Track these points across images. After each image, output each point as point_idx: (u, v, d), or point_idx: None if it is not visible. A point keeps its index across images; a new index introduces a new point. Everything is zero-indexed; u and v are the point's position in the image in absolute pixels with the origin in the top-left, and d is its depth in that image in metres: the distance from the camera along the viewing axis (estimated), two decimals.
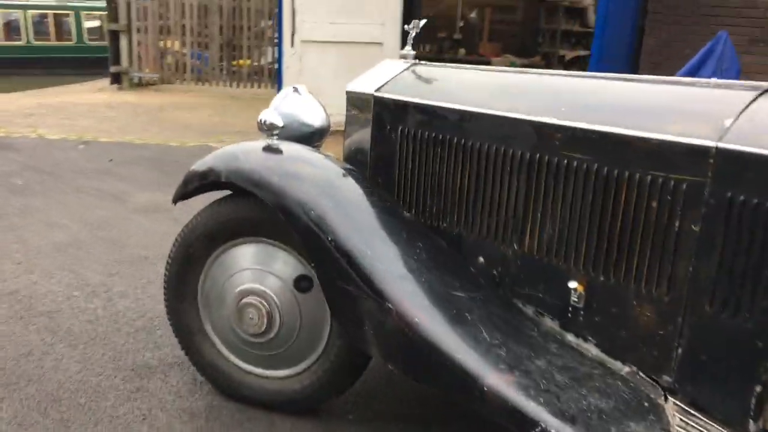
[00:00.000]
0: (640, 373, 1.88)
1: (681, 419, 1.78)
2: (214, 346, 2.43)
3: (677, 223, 1.74)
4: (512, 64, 9.72)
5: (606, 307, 1.92)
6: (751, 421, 1.69)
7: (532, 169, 2.03)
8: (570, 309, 2.00)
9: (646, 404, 1.79)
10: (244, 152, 2.24)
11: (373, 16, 7.43)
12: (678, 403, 1.81)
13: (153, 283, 3.35)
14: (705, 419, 1.77)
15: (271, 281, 2.28)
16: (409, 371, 1.91)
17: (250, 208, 2.27)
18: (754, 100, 1.76)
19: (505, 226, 2.12)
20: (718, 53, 4.82)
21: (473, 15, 10.03)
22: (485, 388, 1.75)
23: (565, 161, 1.95)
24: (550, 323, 2.07)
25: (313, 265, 2.04)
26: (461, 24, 10.25)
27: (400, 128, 2.37)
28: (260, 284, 2.28)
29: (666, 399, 1.82)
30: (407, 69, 2.54)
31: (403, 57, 2.62)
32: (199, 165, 2.34)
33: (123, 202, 4.64)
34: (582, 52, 10.92)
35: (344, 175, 2.22)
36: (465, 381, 1.78)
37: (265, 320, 2.26)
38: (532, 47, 10.47)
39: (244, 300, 2.28)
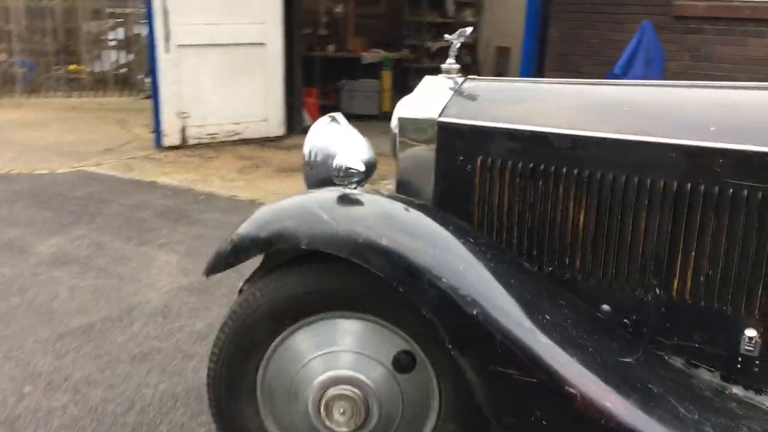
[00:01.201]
0: None
1: None
2: None
3: None
4: (384, 59, 9.46)
5: None
6: None
7: (682, 201, 1.73)
8: (740, 359, 1.73)
9: None
10: (324, 209, 1.75)
11: (253, 15, 6.85)
12: None
13: (119, 359, 2.72)
14: None
15: (361, 364, 1.82)
16: None
17: (326, 277, 1.80)
18: None
19: (643, 269, 1.81)
20: (645, 44, 4.82)
21: (338, 9, 9.64)
22: None
23: (731, 191, 1.67)
24: (707, 376, 1.79)
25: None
26: (326, 19, 9.82)
27: (480, 158, 1.99)
28: (349, 369, 1.82)
29: None
30: (462, 87, 2.15)
31: (446, 72, 2.22)
32: (257, 228, 1.82)
33: (25, 254, 3.83)
34: (445, 43, 10.83)
35: (454, 227, 1.80)
36: None
37: (362, 413, 1.80)
38: (398, 40, 10.26)
39: (331, 391, 1.81)
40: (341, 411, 1.81)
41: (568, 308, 1.77)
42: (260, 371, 1.89)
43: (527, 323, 1.61)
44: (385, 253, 1.64)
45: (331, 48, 9.50)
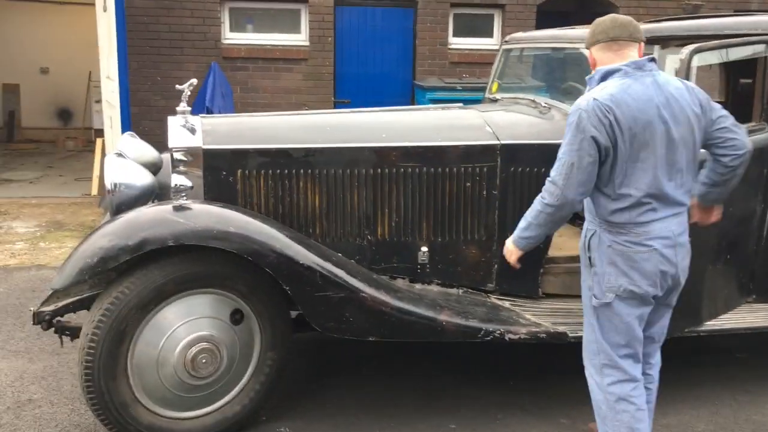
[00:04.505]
0: (469, 290, 3.03)
1: (499, 301, 3.00)
2: (149, 409, 2.50)
3: (485, 192, 2.94)
4: None
5: (445, 256, 2.99)
6: (539, 290, 3.05)
7: (377, 180, 2.90)
8: (419, 266, 2.99)
9: (486, 301, 2.97)
10: (175, 215, 2.42)
11: None
12: (497, 297, 3.03)
13: None
14: (513, 299, 3.04)
15: (209, 324, 2.54)
16: (388, 335, 2.64)
17: (180, 265, 2.46)
18: (487, 112, 3.11)
19: (359, 225, 2.93)
20: (218, 80, 5.93)
21: None
22: (444, 322, 2.66)
23: (402, 170, 2.91)
24: (401, 282, 2.99)
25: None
26: None
27: (239, 171, 2.83)
28: (204, 330, 2.52)
29: (489, 297, 3.03)
30: (206, 122, 2.94)
31: (182, 113, 2.95)
32: (122, 238, 2.36)
33: None
34: None
35: (262, 217, 2.65)
36: (428, 324, 2.65)
37: (218, 358, 2.53)
38: None
39: (194, 348, 2.48)
40: (203, 361, 2.50)
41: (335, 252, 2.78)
42: (129, 353, 2.44)
43: (329, 263, 2.58)
44: (235, 237, 2.43)
45: None
